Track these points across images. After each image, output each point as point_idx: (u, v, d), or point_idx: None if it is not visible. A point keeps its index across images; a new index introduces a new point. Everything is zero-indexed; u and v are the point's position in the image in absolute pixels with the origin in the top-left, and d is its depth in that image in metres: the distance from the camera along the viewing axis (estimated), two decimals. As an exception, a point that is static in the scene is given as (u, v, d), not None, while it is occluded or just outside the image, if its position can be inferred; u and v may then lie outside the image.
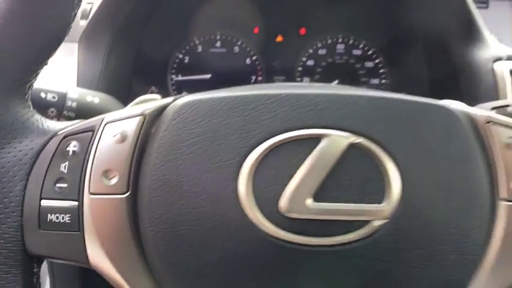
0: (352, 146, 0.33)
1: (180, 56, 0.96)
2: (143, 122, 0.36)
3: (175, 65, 0.95)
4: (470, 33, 0.73)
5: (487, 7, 1.11)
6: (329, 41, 0.96)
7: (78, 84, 0.73)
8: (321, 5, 0.93)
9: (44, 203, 0.35)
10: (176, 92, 0.95)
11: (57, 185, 0.35)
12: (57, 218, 0.33)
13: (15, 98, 0.37)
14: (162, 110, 0.37)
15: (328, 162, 0.32)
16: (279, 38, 0.97)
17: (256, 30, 0.97)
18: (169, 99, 0.38)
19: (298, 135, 0.33)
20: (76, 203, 0.34)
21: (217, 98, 0.35)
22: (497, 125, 0.36)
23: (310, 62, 0.96)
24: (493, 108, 0.57)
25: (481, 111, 0.38)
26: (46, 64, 0.39)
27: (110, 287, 0.36)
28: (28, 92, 0.38)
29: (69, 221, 0.33)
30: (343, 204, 0.32)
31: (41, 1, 0.35)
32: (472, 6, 0.73)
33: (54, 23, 0.37)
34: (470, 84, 0.71)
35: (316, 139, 0.32)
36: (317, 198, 0.32)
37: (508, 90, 0.67)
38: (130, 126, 0.35)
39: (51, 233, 0.34)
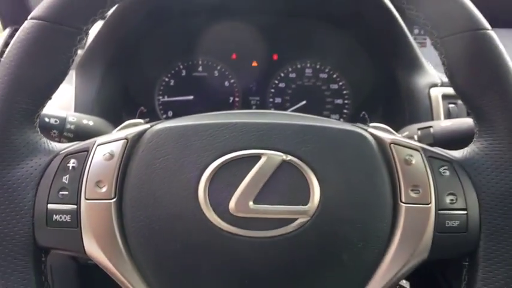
0: (284, 162, 0.44)
1: (166, 79, 1.07)
2: (126, 144, 0.46)
3: (161, 88, 1.07)
4: (410, 61, 0.85)
5: (425, 45, 1.25)
6: (298, 66, 1.08)
7: (76, 108, 0.83)
8: (291, 35, 1.06)
9: (50, 206, 0.44)
10: (163, 112, 1.06)
11: (60, 192, 0.45)
12: (61, 217, 0.44)
13: (27, 125, 0.46)
14: (141, 134, 0.48)
15: (266, 174, 0.43)
16: (254, 63, 1.09)
17: (234, 56, 1.09)
18: (147, 126, 0.49)
19: (243, 154, 0.44)
20: (75, 206, 0.44)
21: (183, 126, 0.46)
22: (398, 146, 0.47)
23: (282, 84, 1.08)
24: (419, 129, 0.69)
25: (389, 135, 0.49)
26: (51, 98, 0.50)
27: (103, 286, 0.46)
28: (36, 120, 0.49)
29: (69, 220, 0.44)
30: (277, 206, 0.43)
31: (46, 47, 0.46)
32: (413, 41, 0.86)
33: (57, 65, 0.48)
34: (412, 106, 0.84)
35: (256, 157, 0.44)
36: (257, 201, 0.43)
37: (440, 111, 0.79)
38: (117, 148, 0.46)
39: (56, 229, 0.44)
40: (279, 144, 0.45)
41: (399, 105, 0.86)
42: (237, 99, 1.07)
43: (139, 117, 1.04)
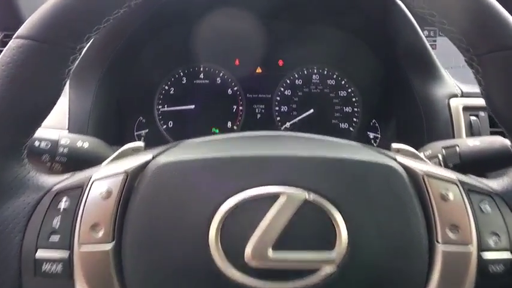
0: (306, 202, 0.38)
1: (166, 87, 1.01)
2: (126, 180, 0.41)
3: (161, 96, 1.01)
4: (427, 70, 0.80)
5: (435, 48, 1.19)
6: (305, 72, 1.03)
7: (70, 124, 0.78)
8: (298, 40, 1.00)
9: (40, 252, 0.39)
10: (162, 122, 1.00)
11: (51, 236, 0.39)
12: (51, 267, 0.38)
13: (14, 159, 0.41)
14: (143, 167, 0.42)
15: (286, 216, 0.38)
16: (259, 70, 1.03)
17: (237, 62, 1.03)
18: (149, 156, 0.43)
19: (260, 194, 0.38)
20: (67, 253, 0.39)
21: (190, 161, 0.40)
22: (433, 178, 0.42)
23: (288, 92, 1.02)
24: (444, 148, 0.64)
25: (420, 165, 0.44)
26: (40, 126, 0.44)
27: None
28: (24, 152, 0.43)
29: (61, 271, 0.38)
30: (299, 252, 0.37)
31: (35, 70, 0.41)
32: (430, 48, 0.80)
33: (47, 90, 0.42)
34: (430, 117, 0.78)
35: (275, 196, 0.38)
36: (276, 247, 0.37)
37: (461, 124, 0.74)
38: (115, 184, 0.40)
39: (46, 280, 0.39)
40: (299, 181, 0.39)
41: (415, 116, 0.81)
42: (240, 107, 1.02)
43: (138, 128, 0.99)
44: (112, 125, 0.89)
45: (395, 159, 0.43)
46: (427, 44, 0.80)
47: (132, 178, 0.41)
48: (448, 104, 0.77)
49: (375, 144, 0.99)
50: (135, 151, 0.51)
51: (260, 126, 1.01)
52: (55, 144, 0.60)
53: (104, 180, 0.41)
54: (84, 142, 0.63)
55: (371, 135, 0.99)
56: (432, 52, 0.79)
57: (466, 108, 0.76)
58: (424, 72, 0.80)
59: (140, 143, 0.54)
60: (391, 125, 0.95)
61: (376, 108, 0.99)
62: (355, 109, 1.01)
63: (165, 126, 1.00)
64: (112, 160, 0.52)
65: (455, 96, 0.78)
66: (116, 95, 0.91)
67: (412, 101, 0.82)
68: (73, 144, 0.62)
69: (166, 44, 0.98)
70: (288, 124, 1.01)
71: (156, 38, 0.96)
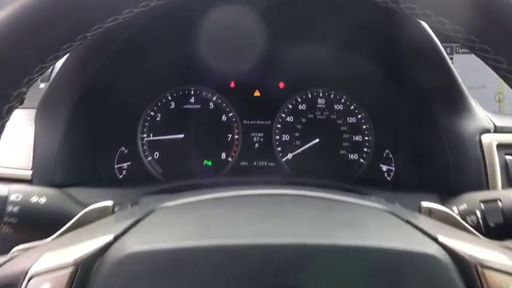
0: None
1: (152, 113, 0.90)
2: (75, 275, 0.29)
3: (146, 124, 0.89)
4: (453, 99, 0.69)
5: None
6: (309, 96, 0.91)
7: (34, 164, 0.66)
8: (301, 59, 0.89)
9: None
10: (147, 153, 0.89)
11: None
12: None
13: None
14: (98, 255, 0.30)
15: None
16: (257, 93, 0.92)
17: (232, 84, 0.92)
18: (108, 237, 0.32)
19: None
20: None
21: (160, 252, 0.29)
22: (490, 270, 0.31)
23: (290, 118, 0.91)
24: (482, 202, 0.53)
25: (470, 247, 0.33)
26: None
27: None
28: None
29: None
30: None
31: None
32: (456, 73, 0.69)
33: None
34: (458, 156, 0.67)
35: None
36: None
37: (496, 164, 0.63)
38: (59, 281, 0.29)
39: None
40: (317, 281, 0.28)
41: (439, 151, 0.69)
42: (236, 136, 0.90)
43: (119, 160, 0.87)
44: (87, 160, 0.78)
45: (436, 240, 0.33)
46: (453, 68, 0.68)
47: (84, 271, 0.30)
48: (480, 141, 0.66)
49: (388, 178, 0.87)
50: (101, 213, 0.40)
51: (258, 157, 0.89)
52: (3, 201, 0.48)
53: (45, 275, 0.30)
54: (40, 197, 0.51)
55: (384, 167, 0.88)
56: (459, 78, 0.68)
57: (501, 146, 0.65)
58: (449, 101, 0.69)
59: (107, 203, 0.44)
60: (406, 156, 0.84)
61: (389, 137, 0.87)
62: (366, 138, 0.89)
63: (150, 158, 0.88)
64: (69, 227, 0.41)
65: (488, 131, 0.66)
66: (93, 124, 0.79)
67: (435, 134, 0.71)
68: (26, 201, 0.50)
69: (151, 65, 0.86)
70: (290, 155, 0.89)
71: (139, 60, 0.84)
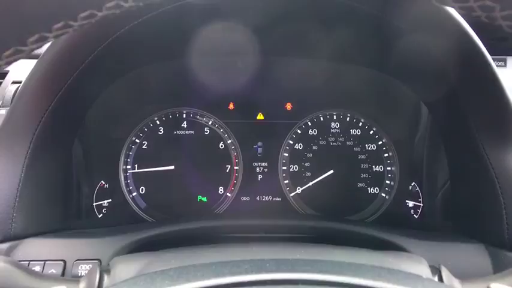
0: None
1: (137, 141, 0.76)
2: None
3: (130, 153, 0.76)
4: (508, 128, 0.55)
5: (505, 65, 0.95)
6: (321, 118, 0.78)
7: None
8: (311, 76, 0.76)
9: None
10: (131, 188, 0.75)
11: None
12: None
13: None
14: None
15: None
16: (260, 116, 0.78)
17: (231, 106, 0.79)
18: None
19: None
20: None
21: None
22: None
23: (299, 146, 0.77)
24: None
25: None
26: None
27: None
28: None
29: None
30: None
31: None
32: (507, 92, 0.56)
33: None
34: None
35: None
36: None
37: None
38: None
39: None
40: None
41: (488, 195, 0.56)
42: (236, 167, 0.77)
43: (98, 197, 0.74)
44: (56, 202, 0.64)
45: None
46: (504, 86, 0.55)
47: None
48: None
49: (415, 216, 0.74)
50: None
51: (262, 191, 0.76)
52: None
53: None
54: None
55: (410, 203, 0.74)
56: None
57: None
58: (500, 129, 0.56)
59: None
60: (437, 192, 0.70)
61: (416, 168, 0.74)
62: (389, 168, 0.76)
63: (134, 194, 0.75)
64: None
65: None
66: (63, 157, 0.66)
67: (481, 171, 0.58)
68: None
69: (136, 83, 0.73)
70: (299, 190, 0.76)
71: (122, 77, 0.71)
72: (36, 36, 0.27)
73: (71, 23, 0.27)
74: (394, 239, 0.58)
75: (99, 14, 0.27)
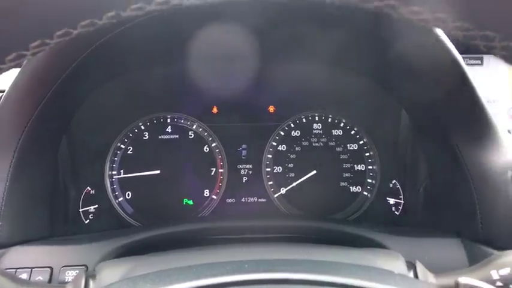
0: None
1: (122, 146, 0.77)
2: None
3: (115, 159, 0.77)
4: (480, 128, 0.57)
5: (481, 64, 0.97)
6: (303, 120, 0.80)
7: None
8: (293, 79, 0.77)
9: None
10: (117, 193, 0.76)
11: None
12: None
13: None
14: None
15: None
16: (244, 119, 0.80)
17: (215, 110, 0.80)
18: None
19: None
20: None
21: None
22: None
23: (282, 147, 0.79)
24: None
25: None
26: None
27: None
28: None
29: None
30: None
31: None
32: (480, 94, 0.58)
33: None
34: (486, 198, 0.56)
35: None
36: None
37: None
38: None
39: None
40: None
41: (462, 191, 0.58)
42: (221, 170, 0.78)
43: (84, 203, 0.74)
44: (42, 209, 0.65)
45: None
46: (476, 87, 0.57)
47: None
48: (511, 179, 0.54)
49: (397, 213, 0.76)
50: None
51: (247, 193, 0.78)
52: None
53: None
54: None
55: (391, 201, 0.76)
56: (483, 100, 0.57)
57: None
58: (472, 128, 0.58)
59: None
60: (417, 189, 0.73)
61: (397, 166, 0.76)
62: (370, 167, 0.78)
63: (121, 199, 0.75)
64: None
65: (521, 165, 0.55)
66: (48, 163, 0.67)
67: (456, 169, 0.60)
68: None
69: (121, 89, 0.74)
70: (283, 190, 0.77)
71: (106, 82, 0.72)
72: (13, 55, 0.28)
73: (47, 41, 0.28)
74: (373, 236, 0.60)
75: (74, 32, 0.28)
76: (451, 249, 0.58)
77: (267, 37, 0.68)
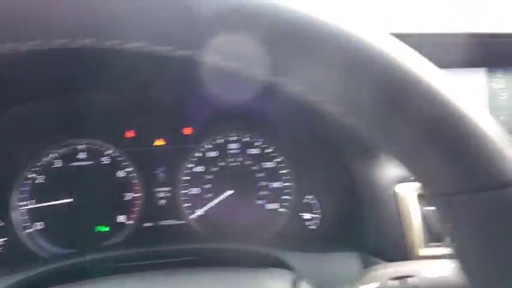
0: None
1: (32, 174, 0.75)
2: None
3: (25, 189, 0.75)
4: (368, 149, 0.60)
5: None
6: (221, 141, 0.81)
7: None
8: (207, 100, 0.78)
9: None
10: (28, 224, 0.74)
11: None
12: None
13: None
14: None
15: None
16: (159, 142, 0.80)
17: (129, 134, 0.79)
18: None
19: None
20: None
21: None
22: None
23: (199, 168, 0.79)
24: (392, 280, 0.44)
25: None
26: None
27: None
28: None
29: None
30: None
31: None
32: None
33: None
34: (374, 211, 0.58)
35: None
36: None
37: (412, 220, 0.55)
38: None
39: None
40: None
41: (356, 205, 0.61)
42: (137, 195, 0.77)
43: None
44: None
45: None
46: None
47: None
48: (394, 192, 0.57)
49: (314, 227, 0.78)
50: None
51: (165, 216, 0.77)
52: None
53: None
54: None
55: (306, 216, 0.78)
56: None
57: (422, 197, 0.57)
58: (358, 145, 0.61)
59: None
60: (330, 204, 0.75)
61: (312, 183, 0.78)
62: (286, 183, 0.80)
63: (31, 230, 0.73)
64: None
65: (406, 180, 0.58)
66: None
67: (350, 184, 0.62)
68: None
69: (29, 115, 0.73)
70: (199, 211, 0.78)
71: (12, 108, 0.70)
72: None
73: None
74: (275, 254, 0.61)
75: None
76: (348, 263, 0.60)
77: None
